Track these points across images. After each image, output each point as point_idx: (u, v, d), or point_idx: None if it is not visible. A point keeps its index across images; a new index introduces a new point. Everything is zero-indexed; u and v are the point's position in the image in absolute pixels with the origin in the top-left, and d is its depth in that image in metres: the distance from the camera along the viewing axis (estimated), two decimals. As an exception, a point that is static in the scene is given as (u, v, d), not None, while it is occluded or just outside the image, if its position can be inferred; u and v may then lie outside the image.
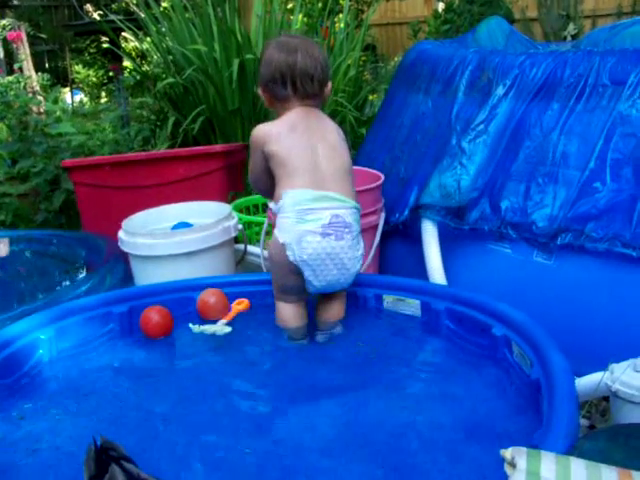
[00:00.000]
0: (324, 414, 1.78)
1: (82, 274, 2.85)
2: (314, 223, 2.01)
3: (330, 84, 2.22)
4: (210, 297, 2.28)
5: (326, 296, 2.19)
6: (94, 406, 1.84)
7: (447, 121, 2.64)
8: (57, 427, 1.74)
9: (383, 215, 2.68)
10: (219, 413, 1.79)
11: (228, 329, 2.09)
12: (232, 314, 2.23)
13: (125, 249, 2.64)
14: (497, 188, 2.41)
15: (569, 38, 6.12)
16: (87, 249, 3.10)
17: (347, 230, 2.05)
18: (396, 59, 7.95)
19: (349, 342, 2.15)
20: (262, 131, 2.15)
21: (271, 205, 2.19)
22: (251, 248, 2.89)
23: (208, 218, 2.81)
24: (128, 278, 2.73)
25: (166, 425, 1.74)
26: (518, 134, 2.41)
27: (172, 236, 2.56)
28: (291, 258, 2.03)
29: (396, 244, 2.77)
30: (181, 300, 2.36)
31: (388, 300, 2.30)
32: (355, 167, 2.91)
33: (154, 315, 2.22)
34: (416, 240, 2.57)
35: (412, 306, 2.24)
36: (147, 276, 2.61)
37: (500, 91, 2.47)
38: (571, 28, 6.23)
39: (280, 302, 2.18)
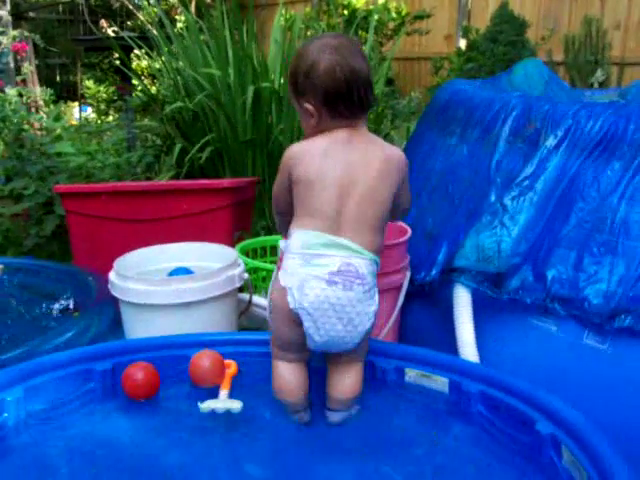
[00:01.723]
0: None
1: (66, 317, 2.56)
2: (321, 268, 1.73)
3: None
4: (205, 361, 1.97)
5: (338, 365, 1.88)
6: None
7: (485, 172, 2.35)
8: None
9: (408, 274, 2.38)
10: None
11: (240, 404, 1.81)
12: (228, 381, 1.92)
13: (115, 293, 2.36)
14: (543, 254, 2.11)
15: (596, 85, 5.91)
16: (75, 286, 2.81)
17: (359, 281, 1.74)
18: (413, 94, 7.74)
19: (361, 424, 1.85)
20: (293, 151, 1.83)
21: (280, 242, 1.91)
22: (257, 299, 2.60)
23: (211, 262, 2.54)
24: (117, 326, 2.43)
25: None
26: (570, 194, 2.12)
27: (168, 284, 2.28)
28: (291, 305, 1.75)
29: (419, 308, 2.47)
30: (173, 358, 2.06)
31: (410, 374, 1.99)
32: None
33: (138, 373, 1.94)
34: (444, 305, 2.28)
35: (439, 383, 1.94)
36: (138, 326, 2.33)
37: (550, 143, 2.19)
38: (599, 74, 6.01)
39: (278, 362, 1.88)
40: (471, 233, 2.23)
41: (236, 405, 1.80)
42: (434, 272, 2.33)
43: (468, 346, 2.14)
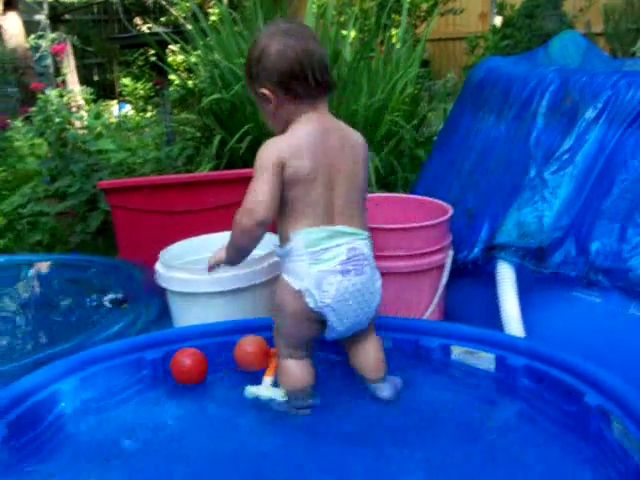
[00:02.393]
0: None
1: (115, 309, 2.61)
2: (332, 262, 1.75)
3: None
4: (249, 346, 2.01)
5: (357, 344, 1.90)
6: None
7: (524, 148, 2.35)
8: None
9: (451, 253, 2.38)
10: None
11: (283, 393, 1.83)
12: (273, 369, 1.95)
13: (161, 283, 2.39)
14: (585, 227, 2.11)
15: (639, 53, 5.79)
16: (122, 279, 2.87)
17: (366, 262, 1.79)
18: (449, 75, 7.67)
19: (408, 401, 1.86)
20: (280, 148, 1.75)
21: (276, 250, 1.88)
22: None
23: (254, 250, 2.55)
24: (165, 315, 2.48)
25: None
26: (611, 166, 2.11)
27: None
28: (311, 305, 1.76)
29: (463, 285, 2.47)
30: (221, 345, 2.10)
31: (456, 352, 2.00)
32: (418, 197, 2.65)
33: (185, 359, 1.99)
34: (487, 281, 2.28)
35: (485, 360, 1.95)
36: (184, 314, 2.37)
37: (589, 115, 2.17)
38: (642, 43, 5.88)
39: (289, 360, 1.87)
40: (512, 209, 2.23)
41: (280, 394, 1.82)
42: (476, 250, 2.33)
43: (513, 321, 2.14)
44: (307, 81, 1.76)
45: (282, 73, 1.76)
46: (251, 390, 1.84)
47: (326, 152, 1.78)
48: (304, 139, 1.77)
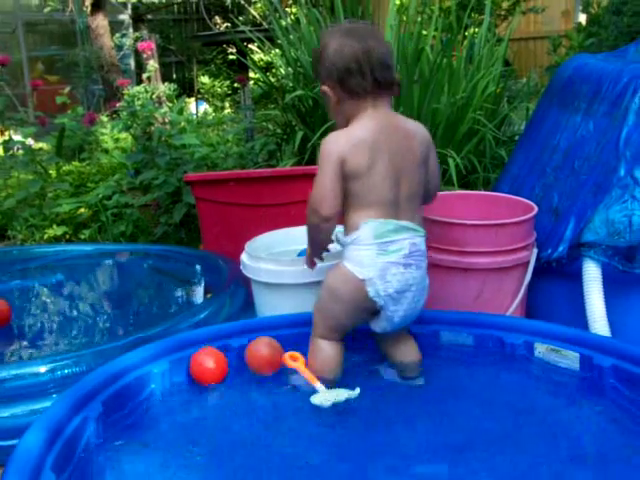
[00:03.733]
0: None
1: (200, 298, 2.68)
2: (396, 254, 1.81)
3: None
4: (263, 348, 2.03)
5: (398, 337, 1.98)
6: (200, 461, 1.64)
7: (614, 146, 2.31)
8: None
9: (535, 251, 2.36)
10: None
11: (356, 391, 1.83)
12: (309, 372, 1.92)
13: (247, 274, 2.44)
14: (678, 227, 2.06)
15: None
16: (207, 269, 2.94)
17: (422, 258, 1.87)
18: (531, 75, 7.53)
19: (492, 397, 1.88)
20: (340, 144, 1.81)
21: (339, 236, 1.93)
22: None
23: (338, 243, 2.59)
24: (249, 305, 2.53)
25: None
26: None
27: (299, 263, 2.34)
28: (372, 294, 1.81)
29: (547, 284, 2.44)
30: (302, 335, 2.10)
31: (540, 349, 1.99)
32: (502, 194, 2.64)
33: (207, 360, 1.99)
34: (572, 281, 2.26)
35: (569, 359, 1.93)
36: (270, 305, 2.41)
37: (683, 113, 2.13)
38: None
39: (323, 341, 1.93)
40: (600, 208, 2.20)
41: (350, 392, 1.82)
42: (561, 248, 2.31)
43: (599, 321, 2.12)
44: (364, 79, 1.82)
45: (340, 70, 1.83)
46: (321, 400, 1.82)
47: (389, 148, 1.83)
48: (363, 135, 1.83)
